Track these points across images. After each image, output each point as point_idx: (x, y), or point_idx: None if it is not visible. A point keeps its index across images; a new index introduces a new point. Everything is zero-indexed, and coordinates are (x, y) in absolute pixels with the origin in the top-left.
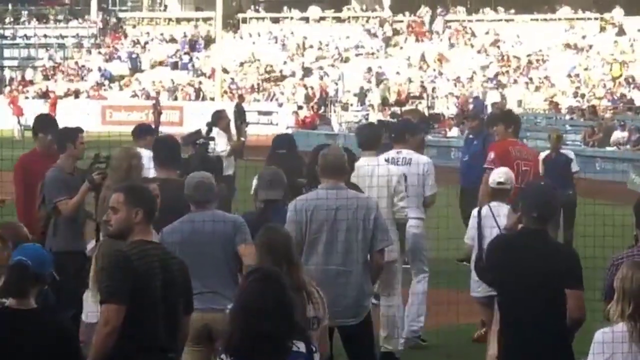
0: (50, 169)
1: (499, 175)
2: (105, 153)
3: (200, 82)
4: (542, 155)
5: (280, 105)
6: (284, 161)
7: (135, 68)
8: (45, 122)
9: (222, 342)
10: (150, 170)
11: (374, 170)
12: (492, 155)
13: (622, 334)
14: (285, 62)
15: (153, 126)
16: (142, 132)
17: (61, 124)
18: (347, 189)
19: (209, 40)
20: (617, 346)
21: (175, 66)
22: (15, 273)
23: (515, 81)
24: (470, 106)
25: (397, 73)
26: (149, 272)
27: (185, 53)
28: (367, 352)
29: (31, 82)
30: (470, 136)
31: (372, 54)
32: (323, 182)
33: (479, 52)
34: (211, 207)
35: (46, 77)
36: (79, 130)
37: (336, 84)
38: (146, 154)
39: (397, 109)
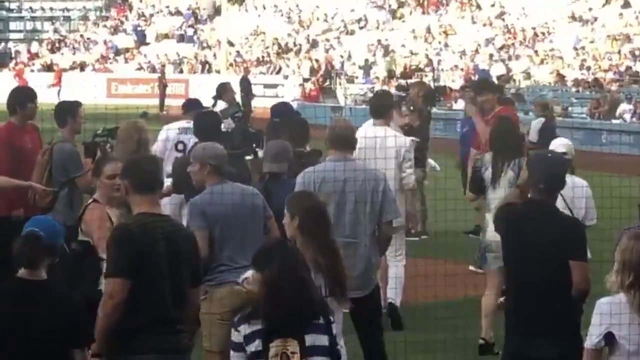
0: (61, 144)
1: (560, 145)
2: (109, 126)
3: (205, 55)
4: (538, 124)
5: (286, 77)
6: (285, 128)
7: (141, 41)
8: (30, 93)
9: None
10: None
11: (384, 141)
12: None
13: (624, 304)
14: (290, 35)
15: (158, 99)
16: (191, 106)
17: (67, 97)
18: (355, 160)
19: (214, 13)
20: (619, 317)
21: (180, 39)
22: (28, 244)
23: (520, 54)
24: (475, 77)
25: (403, 46)
26: (152, 244)
27: (189, 26)
28: (374, 324)
29: (37, 55)
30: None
31: (378, 26)
32: (331, 153)
33: (484, 24)
34: (226, 180)
35: (52, 50)
36: (78, 104)
37: (342, 57)
38: None
39: (402, 82)
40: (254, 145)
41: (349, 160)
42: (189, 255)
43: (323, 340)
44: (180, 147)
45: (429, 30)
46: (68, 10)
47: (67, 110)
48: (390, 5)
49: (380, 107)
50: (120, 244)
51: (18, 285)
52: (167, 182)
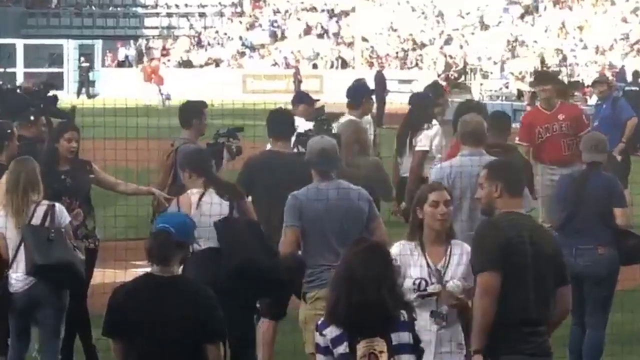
0: (186, 145)
1: None
2: (235, 124)
3: (340, 51)
4: None
5: (420, 70)
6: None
7: (276, 36)
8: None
9: (325, 313)
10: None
11: None
12: None
13: None
14: (423, 31)
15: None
16: (296, 100)
17: (201, 93)
18: (488, 155)
19: (348, 9)
20: None
21: (315, 35)
22: (158, 240)
23: None
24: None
25: (535, 42)
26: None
27: (326, 21)
28: None
29: (172, 52)
30: (599, 102)
31: (512, 21)
32: (464, 149)
33: (620, 20)
34: (334, 176)
35: (188, 47)
36: (203, 104)
37: (476, 52)
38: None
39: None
40: None
41: (481, 155)
42: (552, 257)
43: (408, 337)
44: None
45: (563, 25)
46: (203, 6)
47: (193, 111)
48: (523, 1)
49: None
50: (487, 239)
51: (151, 281)
52: None
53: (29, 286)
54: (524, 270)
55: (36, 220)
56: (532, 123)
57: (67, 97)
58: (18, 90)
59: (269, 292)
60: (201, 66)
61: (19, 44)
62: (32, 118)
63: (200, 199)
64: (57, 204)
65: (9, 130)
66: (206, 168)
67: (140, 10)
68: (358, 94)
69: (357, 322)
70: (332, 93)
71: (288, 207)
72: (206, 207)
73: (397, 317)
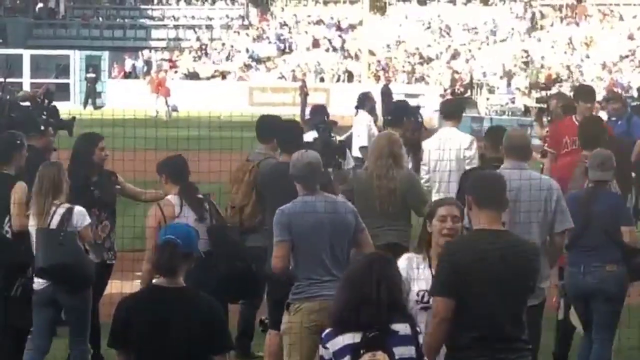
0: (268, 161)
1: None
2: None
3: (346, 65)
4: None
5: (427, 84)
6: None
7: (283, 49)
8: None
9: (329, 322)
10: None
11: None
12: None
13: None
14: (430, 45)
15: (300, 108)
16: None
17: (207, 105)
18: (529, 169)
19: (355, 23)
20: None
21: (322, 48)
22: (165, 252)
23: None
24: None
25: (542, 57)
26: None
27: (332, 35)
28: (534, 335)
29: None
30: (613, 118)
31: (519, 37)
32: (506, 162)
33: (627, 37)
34: (319, 190)
35: (194, 59)
36: (280, 119)
37: (483, 67)
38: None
39: (542, 94)
40: (336, 156)
41: (523, 169)
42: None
43: (410, 351)
44: None
45: (570, 41)
46: (210, 19)
47: (275, 126)
48: (529, 16)
49: (449, 111)
50: (442, 263)
51: (157, 292)
52: None
53: (46, 285)
54: (487, 290)
55: (55, 222)
56: (561, 132)
57: (73, 107)
58: (20, 103)
59: (248, 294)
60: (208, 78)
61: (26, 54)
62: (42, 128)
63: (181, 208)
64: (76, 207)
65: (17, 142)
66: (183, 176)
67: (147, 22)
68: (400, 113)
69: (349, 319)
70: (338, 106)
71: (276, 222)
72: (184, 220)
73: (389, 327)
